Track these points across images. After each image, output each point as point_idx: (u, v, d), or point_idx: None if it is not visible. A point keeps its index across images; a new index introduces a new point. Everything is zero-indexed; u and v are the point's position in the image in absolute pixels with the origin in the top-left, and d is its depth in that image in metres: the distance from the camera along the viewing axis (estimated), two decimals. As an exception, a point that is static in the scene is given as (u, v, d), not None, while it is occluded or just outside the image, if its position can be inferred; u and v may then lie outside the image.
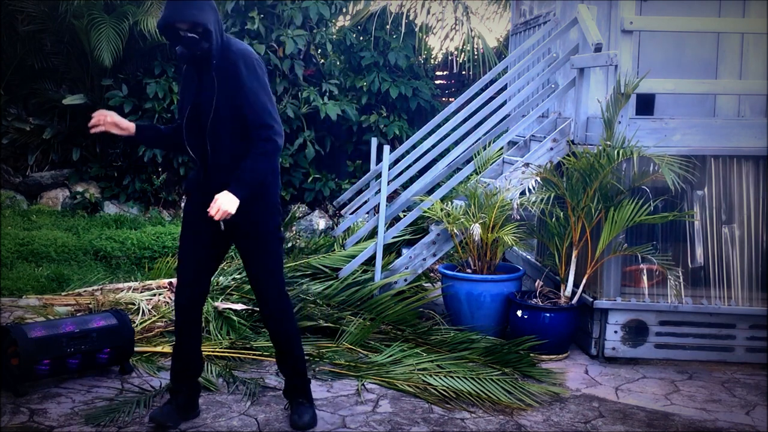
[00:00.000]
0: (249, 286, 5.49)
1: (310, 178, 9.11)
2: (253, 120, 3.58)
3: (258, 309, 5.26)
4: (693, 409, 4.30)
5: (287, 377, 3.98)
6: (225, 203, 3.53)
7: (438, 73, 10.44)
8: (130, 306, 5.26)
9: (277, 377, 4.53)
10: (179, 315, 3.84)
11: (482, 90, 6.81)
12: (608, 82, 5.34)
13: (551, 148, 5.48)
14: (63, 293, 5.68)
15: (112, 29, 8.47)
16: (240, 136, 3.64)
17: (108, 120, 3.77)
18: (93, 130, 3.80)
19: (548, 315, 5.01)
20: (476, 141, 6.18)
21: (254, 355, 4.80)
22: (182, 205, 9.08)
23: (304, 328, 5.09)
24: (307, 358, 4.68)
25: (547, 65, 6.13)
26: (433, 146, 6.66)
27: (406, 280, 5.55)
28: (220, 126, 3.62)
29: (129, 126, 3.81)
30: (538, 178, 5.15)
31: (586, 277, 5.09)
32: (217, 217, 3.53)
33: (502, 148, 6.43)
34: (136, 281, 5.86)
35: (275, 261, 3.82)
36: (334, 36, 9.48)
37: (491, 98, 6.58)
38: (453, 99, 9.15)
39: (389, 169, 6.15)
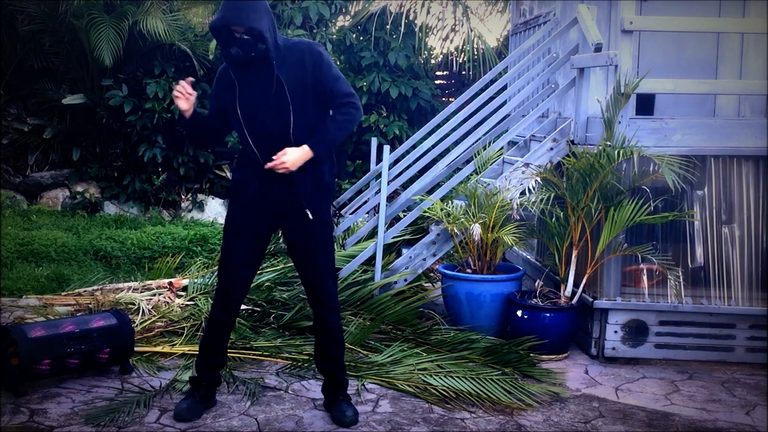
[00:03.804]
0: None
1: (310, 178, 9.09)
2: (339, 91, 3.69)
3: (258, 308, 5.30)
4: (693, 409, 4.30)
5: (330, 371, 4.00)
6: (293, 156, 3.62)
7: (438, 73, 10.44)
8: (130, 306, 5.26)
9: (277, 377, 4.53)
10: (222, 317, 3.92)
11: (482, 90, 6.81)
12: (608, 82, 5.34)
13: (551, 148, 5.48)
14: (63, 293, 5.69)
15: (112, 29, 8.46)
16: (313, 129, 3.76)
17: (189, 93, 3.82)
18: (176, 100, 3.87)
19: (548, 315, 5.01)
20: (476, 141, 6.18)
21: (254, 355, 4.80)
22: (182, 205, 9.08)
23: (303, 328, 5.10)
24: (306, 357, 4.69)
25: (547, 65, 6.13)
26: (433, 146, 6.66)
27: (406, 280, 5.55)
28: (300, 122, 3.70)
29: (191, 107, 3.88)
30: (538, 178, 5.15)
31: (586, 277, 5.09)
32: (279, 167, 3.61)
33: (502, 148, 6.43)
34: (136, 281, 5.86)
35: (333, 251, 3.95)
36: (334, 36, 9.48)
37: (491, 98, 6.58)
38: (453, 99, 9.15)
39: (389, 169, 6.15)
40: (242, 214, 3.85)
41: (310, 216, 3.79)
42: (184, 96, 3.84)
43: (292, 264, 5.83)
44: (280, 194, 3.78)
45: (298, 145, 3.68)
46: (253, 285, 5.51)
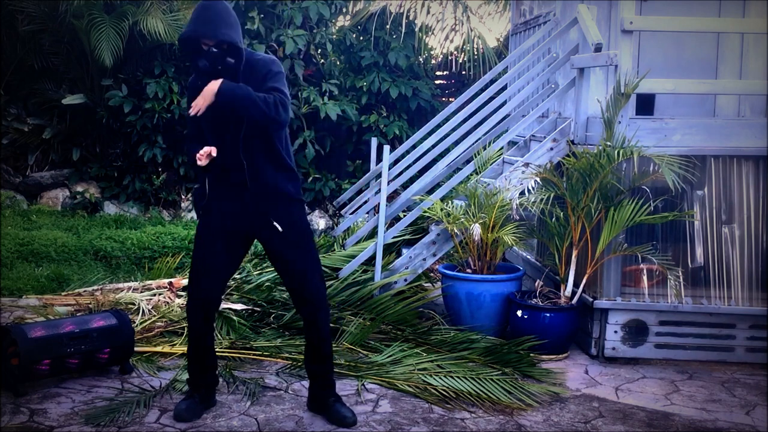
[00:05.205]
0: (249, 286, 5.50)
1: (310, 178, 9.11)
2: (273, 86, 3.64)
3: (258, 308, 5.29)
4: (693, 409, 4.30)
5: (322, 373, 3.99)
6: (207, 91, 3.57)
7: (438, 73, 10.44)
8: (130, 306, 5.26)
9: (277, 377, 4.53)
10: (199, 322, 3.90)
11: (482, 90, 6.81)
12: (608, 82, 5.34)
13: (551, 148, 5.48)
14: (63, 293, 5.68)
15: (112, 29, 8.46)
16: (270, 146, 3.75)
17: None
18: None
19: (548, 315, 5.01)
20: (476, 141, 6.18)
21: (254, 355, 4.80)
22: (182, 205, 9.08)
23: (303, 328, 5.09)
24: (307, 358, 4.70)
25: (547, 65, 6.13)
26: (433, 146, 6.66)
27: (406, 280, 5.55)
28: (252, 134, 3.70)
29: None
30: (538, 178, 5.15)
31: (586, 277, 5.09)
32: (200, 104, 3.58)
33: (502, 148, 6.43)
34: (136, 281, 5.86)
35: (315, 251, 3.95)
36: (334, 36, 9.48)
37: (491, 98, 6.58)
38: (453, 99, 9.15)
39: (389, 169, 6.15)
40: (212, 224, 3.84)
41: (279, 228, 3.80)
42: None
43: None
44: (248, 207, 3.79)
45: (249, 159, 3.69)
46: (252, 285, 5.52)
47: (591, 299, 5.08)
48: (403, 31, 9.31)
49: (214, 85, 3.58)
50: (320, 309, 3.93)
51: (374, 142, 7.17)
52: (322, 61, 9.46)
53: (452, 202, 5.71)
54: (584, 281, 5.10)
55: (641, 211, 4.89)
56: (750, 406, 4.38)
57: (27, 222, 8.01)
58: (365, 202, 6.81)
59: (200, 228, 3.89)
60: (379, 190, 6.07)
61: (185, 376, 4.28)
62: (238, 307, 5.21)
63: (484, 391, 4.31)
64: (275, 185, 3.79)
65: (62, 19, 8.75)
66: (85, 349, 4.33)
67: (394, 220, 6.75)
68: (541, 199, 5.07)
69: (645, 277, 5.13)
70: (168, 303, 5.34)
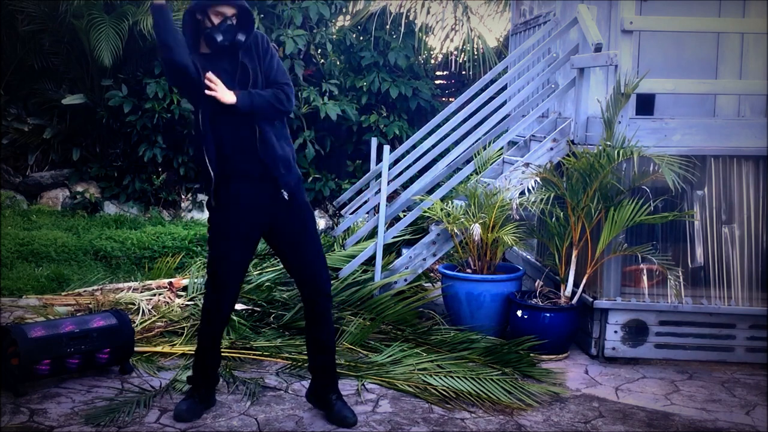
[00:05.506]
0: (249, 286, 5.50)
1: (310, 178, 9.11)
2: (277, 80, 3.74)
3: (258, 308, 5.29)
4: (693, 409, 4.30)
5: (323, 371, 3.98)
6: (223, 90, 3.61)
7: (438, 73, 10.44)
8: (130, 306, 5.26)
9: (277, 377, 4.53)
10: (217, 322, 3.91)
11: (482, 90, 6.81)
12: (608, 82, 5.34)
13: (551, 148, 5.48)
14: (63, 293, 5.69)
15: (112, 29, 8.45)
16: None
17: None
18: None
19: (548, 315, 5.01)
20: (476, 141, 6.19)
21: (254, 355, 4.80)
22: (182, 205, 9.09)
23: (303, 328, 5.08)
24: (307, 357, 4.68)
25: (547, 65, 6.13)
26: (433, 146, 6.66)
27: (406, 280, 5.55)
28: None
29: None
30: (538, 178, 5.15)
31: (586, 277, 5.09)
32: (215, 91, 3.60)
33: (502, 148, 6.43)
34: (136, 281, 5.87)
35: (318, 236, 3.95)
36: (334, 36, 9.48)
37: (491, 98, 6.58)
38: (453, 99, 9.15)
39: (389, 169, 6.15)
40: (231, 217, 3.82)
41: (286, 196, 3.78)
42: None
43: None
44: (264, 192, 3.78)
45: (261, 141, 3.71)
46: (252, 285, 5.52)
47: (591, 299, 5.08)
48: (403, 31, 9.31)
49: (230, 97, 3.62)
50: (326, 296, 3.94)
51: (374, 142, 7.17)
52: (322, 61, 9.46)
53: (452, 202, 5.71)
54: (584, 281, 5.10)
55: (641, 211, 4.89)
56: (750, 406, 4.38)
57: (27, 222, 8.01)
58: (365, 202, 6.81)
59: (211, 230, 3.88)
60: (379, 190, 6.07)
61: (185, 376, 4.29)
62: (238, 307, 5.21)
63: (484, 391, 4.31)
64: (282, 150, 3.77)
65: (62, 19, 8.75)
66: (85, 349, 4.33)
67: (394, 220, 6.75)
68: (541, 199, 5.07)
69: (645, 277, 5.13)
70: (168, 303, 5.34)
